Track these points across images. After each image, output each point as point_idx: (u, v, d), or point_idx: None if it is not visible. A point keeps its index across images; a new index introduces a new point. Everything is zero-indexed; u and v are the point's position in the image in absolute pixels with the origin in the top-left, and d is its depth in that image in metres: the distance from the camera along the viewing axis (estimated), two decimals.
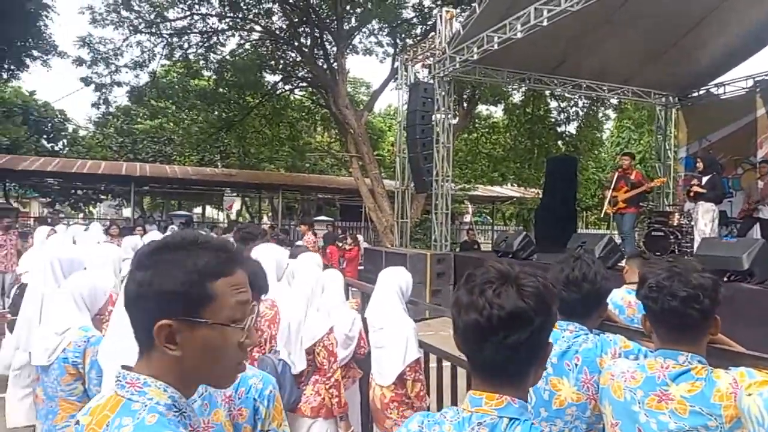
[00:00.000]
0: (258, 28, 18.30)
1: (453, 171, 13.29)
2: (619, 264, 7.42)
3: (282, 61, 19.10)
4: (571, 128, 20.33)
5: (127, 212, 29.50)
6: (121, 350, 2.58)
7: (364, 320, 3.46)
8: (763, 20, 10.43)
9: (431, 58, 12.38)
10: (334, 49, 17.35)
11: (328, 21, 17.38)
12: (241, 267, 1.07)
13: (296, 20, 17.67)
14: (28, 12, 13.08)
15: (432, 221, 12.59)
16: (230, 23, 17.88)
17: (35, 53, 14.50)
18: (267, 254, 3.40)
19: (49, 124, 29.29)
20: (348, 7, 16.89)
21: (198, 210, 34.55)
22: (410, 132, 12.35)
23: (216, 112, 20.49)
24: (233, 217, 29.64)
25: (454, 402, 3.50)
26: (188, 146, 25.10)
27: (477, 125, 21.95)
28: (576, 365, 1.92)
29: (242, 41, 18.78)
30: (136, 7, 16.42)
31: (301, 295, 3.15)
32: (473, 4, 10.97)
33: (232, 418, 1.66)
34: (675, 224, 9.82)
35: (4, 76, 14.80)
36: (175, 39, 17.56)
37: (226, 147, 25.58)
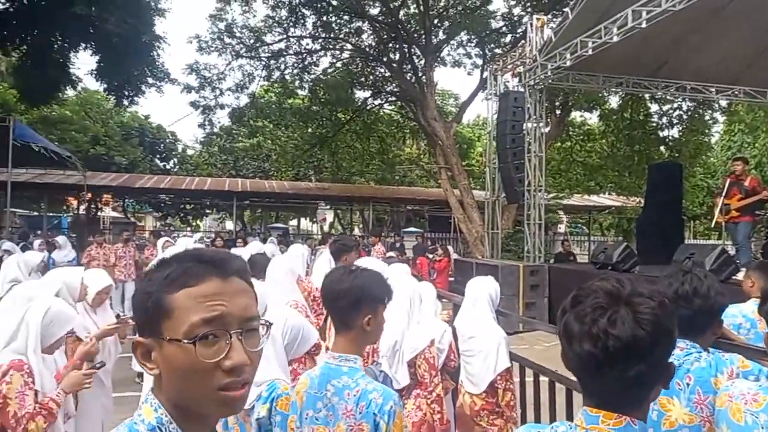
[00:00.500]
0: (348, 46, 18.89)
1: (546, 180, 12.91)
2: (734, 277, 6.84)
3: (371, 77, 19.55)
4: (674, 133, 19.09)
5: (229, 225, 31.32)
6: None
7: (454, 330, 3.45)
8: None
9: (521, 67, 12.17)
10: (422, 62, 17.51)
11: (416, 36, 17.59)
12: (219, 276, 0.93)
13: (385, 37, 18.04)
14: (144, 43, 14.36)
15: (524, 232, 12.29)
16: (323, 43, 18.61)
17: (150, 80, 15.89)
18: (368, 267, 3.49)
19: (162, 145, 31.82)
20: (436, 21, 17.01)
21: (294, 222, 35.94)
22: (500, 142, 12.17)
23: (310, 129, 21.29)
24: (326, 229, 30.56)
25: (553, 419, 3.40)
26: (284, 162, 26.25)
27: (571, 133, 21.19)
28: (687, 385, 1.82)
29: (334, 60, 19.48)
30: (238, 34, 17.57)
31: (400, 306, 3.16)
32: (565, 10, 10.68)
33: None
34: None
35: (125, 102, 16.32)
36: (272, 61, 18.53)
37: (320, 162, 26.45)
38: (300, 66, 18.81)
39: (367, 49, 18.75)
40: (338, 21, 17.79)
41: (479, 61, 18.42)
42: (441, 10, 17.50)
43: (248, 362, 0.91)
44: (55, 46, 14.91)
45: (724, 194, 8.54)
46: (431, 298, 3.49)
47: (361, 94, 20.12)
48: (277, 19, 17.65)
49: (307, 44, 18.54)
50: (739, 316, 2.93)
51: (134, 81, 15.38)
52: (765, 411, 1.50)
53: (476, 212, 15.44)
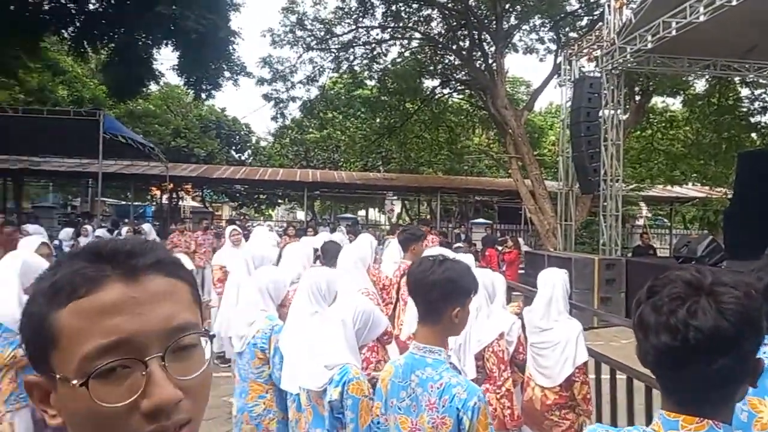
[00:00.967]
0: (417, 35, 18.79)
1: (624, 170, 12.34)
2: None
3: (440, 66, 19.37)
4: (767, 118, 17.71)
5: (300, 215, 32.15)
6: (296, 339, 2.85)
7: (522, 322, 3.39)
8: None
9: (598, 51, 11.67)
10: (493, 49, 17.15)
11: (486, 22, 17.23)
12: (123, 277, 0.64)
13: (454, 24, 17.80)
14: (221, 39, 14.94)
15: (599, 224, 11.82)
16: (392, 33, 18.61)
17: (226, 74, 16.54)
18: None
19: (237, 137, 33.07)
20: (508, 6, 16.58)
21: (362, 213, 36.39)
22: (574, 130, 11.74)
23: (378, 120, 21.41)
24: (394, 219, 30.71)
25: (630, 419, 3.27)
26: (353, 153, 26.56)
27: (651, 120, 20.11)
28: None
29: (403, 49, 19.44)
30: (309, 26, 17.87)
31: None
32: None
33: (435, 426, 1.70)
34: None
35: (203, 96, 17.09)
36: (342, 53, 18.75)
37: (388, 152, 26.55)
38: (369, 56, 18.93)
39: (437, 37, 18.58)
40: (407, 9, 17.73)
41: (553, 46, 17.82)
42: None
43: (178, 397, 0.62)
44: (140, 43, 15.77)
45: None
46: (501, 290, 3.44)
47: (429, 83, 20.01)
48: (346, 10, 17.81)
49: (377, 34, 18.62)
50: None
51: (212, 75, 16.06)
52: None
53: (548, 203, 15.01)
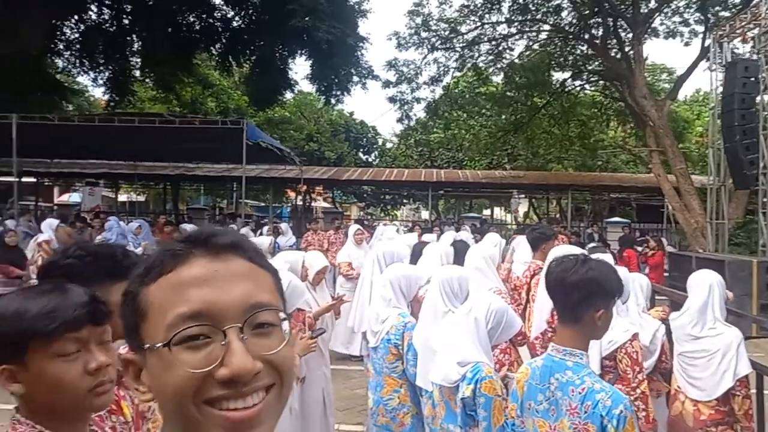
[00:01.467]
0: (546, 27, 18.11)
1: None
2: None
3: (571, 57, 18.49)
4: None
5: (425, 215, 32.44)
6: (429, 337, 2.90)
7: (668, 328, 3.14)
8: None
9: (755, 30, 10.44)
10: (630, 36, 16.00)
11: (622, 7, 16.13)
12: (206, 254, 0.70)
13: (586, 12, 16.88)
14: (349, 45, 15.58)
15: (758, 223, 10.56)
16: (519, 27, 18.13)
17: (355, 79, 17.22)
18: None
19: (365, 139, 34.23)
20: None
21: (487, 212, 35.84)
22: (726, 119, 10.62)
23: (504, 116, 20.94)
24: (520, 218, 29.86)
25: None
26: (478, 150, 26.24)
27: None
28: None
29: (530, 43, 18.83)
30: (434, 27, 17.98)
31: None
32: None
33: (577, 431, 1.67)
34: None
35: (333, 101, 17.95)
36: (466, 51, 18.62)
37: (514, 149, 25.89)
38: (494, 53, 18.60)
39: (567, 28, 17.77)
40: (535, 1, 17.15)
41: (700, 28, 16.21)
42: None
43: (255, 368, 0.65)
44: (277, 55, 16.92)
45: None
46: (640, 292, 3.22)
47: (559, 76, 19.20)
48: (471, 7, 17.65)
49: (502, 29, 18.24)
50: None
51: (342, 81, 16.79)
52: None
53: (696, 200, 13.68)
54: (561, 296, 1.78)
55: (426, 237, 7.63)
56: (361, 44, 16.63)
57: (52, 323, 0.99)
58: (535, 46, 18.84)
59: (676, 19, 16.79)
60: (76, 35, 18.70)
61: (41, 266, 1.58)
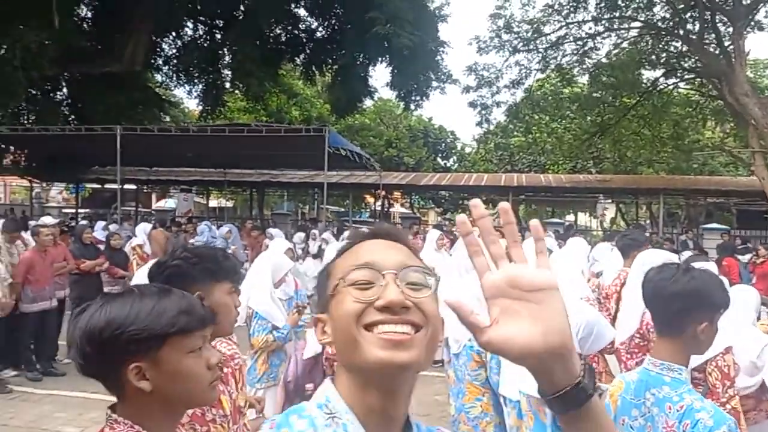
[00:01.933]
0: (636, 23, 17.28)
1: None
2: None
3: (664, 54, 17.51)
4: None
5: None
6: None
7: None
8: None
9: None
10: (730, 30, 14.93)
11: (720, 0, 15.10)
12: (374, 238, 0.94)
13: (681, 6, 15.94)
14: (429, 50, 15.63)
15: None
16: (607, 24, 17.42)
17: (434, 84, 17.23)
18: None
19: (443, 144, 34.10)
20: None
21: (570, 217, 34.61)
22: None
23: (589, 118, 20.17)
24: (606, 224, 28.58)
25: None
26: (561, 154, 25.44)
27: None
28: None
29: (619, 40, 18.03)
30: (516, 29, 17.65)
31: None
32: None
33: None
34: None
35: (412, 107, 18.05)
36: (549, 51, 18.13)
37: (600, 152, 24.86)
38: (580, 52, 17.97)
39: (659, 24, 16.86)
40: None
41: None
42: None
43: (407, 304, 0.81)
44: (358, 63, 17.27)
45: None
46: (749, 304, 2.99)
47: (650, 75, 18.22)
48: (556, 7, 17.17)
49: (589, 28, 17.61)
50: None
51: (421, 86, 16.86)
52: None
53: None
54: (660, 307, 1.68)
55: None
56: (441, 49, 16.64)
57: (192, 320, 1.07)
58: (624, 44, 18.00)
59: None
60: (174, 51, 20.06)
61: (152, 266, 1.70)
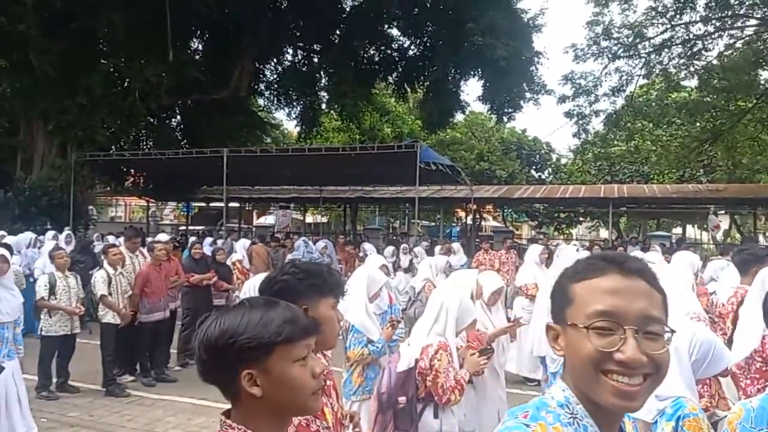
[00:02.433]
0: (752, 21, 15.95)
1: None
2: None
3: None
4: None
5: (603, 233, 30.27)
6: None
7: None
8: None
9: None
10: None
11: None
12: (620, 272, 0.99)
13: None
14: (523, 61, 15.38)
15: None
16: (718, 24, 16.24)
17: (527, 95, 16.87)
18: None
19: (537, 156, 33.18)
20: None
21: (677, 230, 32.29)
22: None
23: (699, 124, 18.82)
24: (719, 237, 26.34)
25: None
26: (667, 163, 23.86)
27: None
28: None
29: (732, 40, 16.73)
30: (615, 34, 16.91)
31: None
32: None
33: None
34: None
35: (504, 119, 17.78)
36: (653, 56, 17.18)
37: (711, 160, 23.09)
38: (687, 55, 16.85)
39: None
40: None
41: None
42: None
43: (642, 361, 0.92)
44: (449, 78, 17.34)
45: None
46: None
47: None
48: (660, 9, 16.27)
49: (697, 29, 16.50)
50: None
51: (513, 98, 16.60)
52: None
53: None
54: None
55: None
56: (536, 59, 16.32)
57: (296, 329, 1.13)
58: (738, 44, 16.67)
59: None
60: (275, 76, 21.24)
61: (262, 281, 1.80)
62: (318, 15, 16.94)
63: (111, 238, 11.84)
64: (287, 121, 30.22)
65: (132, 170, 18.51)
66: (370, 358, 3.80)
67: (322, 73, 20.09)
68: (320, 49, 19.77)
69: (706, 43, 16.73)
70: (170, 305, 7.24)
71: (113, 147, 16.30)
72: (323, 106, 21.67)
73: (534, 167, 33.44)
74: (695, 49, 16.74)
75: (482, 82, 16.67)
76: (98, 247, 11.45)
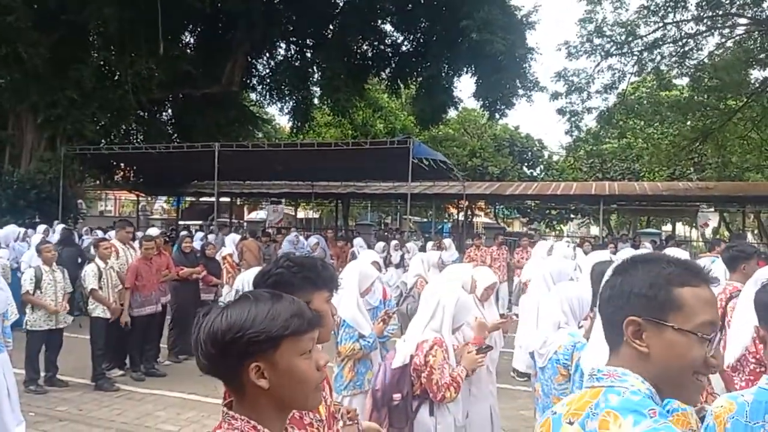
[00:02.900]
0: (743, 20, 16.06)
1: None
2: None
3: None
4: None
5: (594, 230, 30.44)
6: (600, 359, 2.72)
7: None
8: None
9: None
10: None
11: None
12: (708, 283, 1.11)
13: None
14: (516, 58, 15.39)
15: None
16: (709, 23, 16.33)
17: (520, 92, 16.90)
18: None
19: (529, 153, 33.25)
20: None
21: (667, 228, 32.53)
22: None
23: (690, 122, 18.95)
24: (708, 234, 26.56)
25: None
26: (657, 161, 24.04)
27: None
28: None
29: (723, 40, 16.84)
30: (608, 32, 16.96)
31: None
32: None
33: None
34: None
35: (496, 115, 17.80)
36: (645, 54, 17.26)
37: (701, 158, 23.27)
38: (678, 54, 16.94)
39: None
40: None
41: None
42: None
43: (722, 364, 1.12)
44: (443, 74, 17.32)
45: None
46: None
47: (758, 74, 16.85)
48: (652, 8, 16.33)
49: (689, 28, 16.59)
50: None
51: (506, 95, 16.62)
52: None
53: None
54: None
55: (598, 254, 7.14)
56: (530, 56, 16.36)
57: (303, 323, 1.13)
58: (729, 43, 16.78)
59: None
60: (267, 71, 21.14)
61: (257, 275, 1.80)
62: (311, 10, 16.86)
63: (99, 233, 11.76)
64: (279, 116, 30.15)
65: (122, 164, 18.39)
66: (361, 353, 3.80)
67: (314, 68, 20.02)
68: (313, 44, 19.69)
69: (697, 41, 16.84)
70: (161, 299, 7.21)
71: (103, 140, 16.16)
72: (315, 101, 21.61)
73: (526, 164, 33.52)
74: (687, 48, 16.84)
75: (475, 78, 16.67)
76: (87, 240, 11.39)
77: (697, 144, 19.52)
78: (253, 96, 22.98)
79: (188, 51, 18.86)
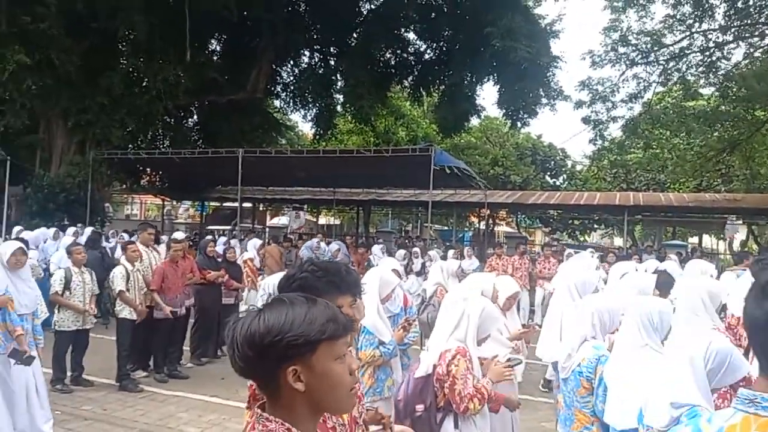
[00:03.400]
0: None
1: None
2: None
3: None
4: None
5: (618, 241, 29.98)
6: (623, 373, 2.68)
7: None
8: None
9: None
10: None
11: None
12: None
13: None
14: (540, 66, 15.32)
15: None
16: (737, 33, 16.07)
17: (543, 101, 16.80)
18: None
19: (552, 162, 32.95)
20: None
21: (693, 239, 31.89)
22: None
23: (717, 133, 18.62)
24: (736, 246, 25.97)
25: None
26: (683, 172, 23.63)
27: None
28: None
29: (752, 49, 16.53)
30: (633, 41, 16.80)
31: None
32: None
33: None
34: None
35: (519, 124, 17.71)
36: (671, 63, 17.04)
37: (729, 169, 22.80)
38: (705, 63, 16.69)
39: None
40: (758, 3, 15.03)
41: None
42: None
43: None
44: (465, 82, 17.31)
45: None
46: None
47: None
48: (678, 17, 16.14)
49: (716, 37, 16.33)
50: None
51: (529, 103, 16.55)
52: None
53: None
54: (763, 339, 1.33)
55: (622, 265, 7.03)
56: (554, 64, 16.28)
57: (338, 327, 1.14)
58: (757, 53, 16.47)
59: None
60: (291, 78, 21.39)
61: (282, 279, 1.82)
62: (335, 18, 17.04)
63: (125, 236, 11.98)
64: (302, 123, 30.42)
65: (148, 169, 18.71)
66: (381, 359, 3.79)
67: (338, 75, 20.20)
68: (337, 51, 19.87)
69: (724, 51, 16.58)
70: (185, 302, 7.30)
71: (130, 145, 16.48)
72: (338, 108, 21.77)
73: (549, 173, 33.21)
74: (714, 58, 16.60)
75: (498, 86, 16.64)
76: (113, 243, 11.60)
77: (725, 155, 19.14)
78: (277, 103, 23.26)
79: (214, 58, 19.18)
